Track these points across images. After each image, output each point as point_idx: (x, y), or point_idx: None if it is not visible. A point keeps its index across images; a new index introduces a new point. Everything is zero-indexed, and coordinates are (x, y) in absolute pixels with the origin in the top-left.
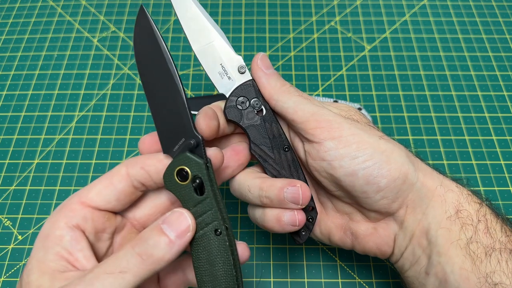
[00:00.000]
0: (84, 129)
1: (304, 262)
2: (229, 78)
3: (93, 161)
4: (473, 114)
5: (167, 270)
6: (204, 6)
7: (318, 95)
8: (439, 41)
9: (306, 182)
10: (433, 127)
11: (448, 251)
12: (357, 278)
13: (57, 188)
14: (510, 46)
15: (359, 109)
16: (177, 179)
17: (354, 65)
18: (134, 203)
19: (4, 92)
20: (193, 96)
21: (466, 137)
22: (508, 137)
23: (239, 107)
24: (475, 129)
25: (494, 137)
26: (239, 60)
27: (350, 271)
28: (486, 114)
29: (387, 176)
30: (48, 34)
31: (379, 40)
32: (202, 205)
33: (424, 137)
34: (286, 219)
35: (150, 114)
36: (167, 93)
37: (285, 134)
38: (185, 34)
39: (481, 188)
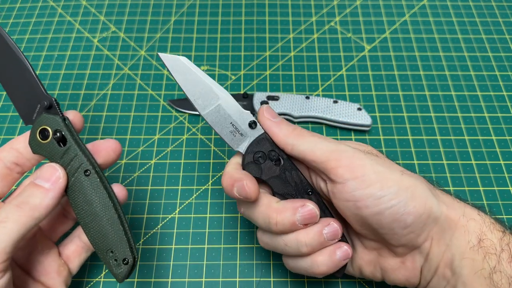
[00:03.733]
0: (85, 129)
1: None
2: (241, 134)
3: None
4: (472, 114)
5: (65, 242)
6: (204, 6)
7: (318, 95)
8: (439, 41)
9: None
10: (432, 127)
11: (472, 282)
12: (357, 278)
13: None
14: (509, 46)
15: (359, 109)
16: (40, 140)
17: (354, 65)
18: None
19: (5, 92)
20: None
21: (466, 137)
22: (507, 137)
23: (257, 162)
24: (475, 129)
25: (493, 137)
26: (248, 115)
27: None
28: (486, 114)
29: (413, 213)
30: (49, 34)
31: (379, 40)
32: (67, 154)
33: (424, 137)
34: (340, 256)
35: (148, 114)
36: (16, 72)
37: (306, 179)
38: (190, 101)
39: (481, 188)
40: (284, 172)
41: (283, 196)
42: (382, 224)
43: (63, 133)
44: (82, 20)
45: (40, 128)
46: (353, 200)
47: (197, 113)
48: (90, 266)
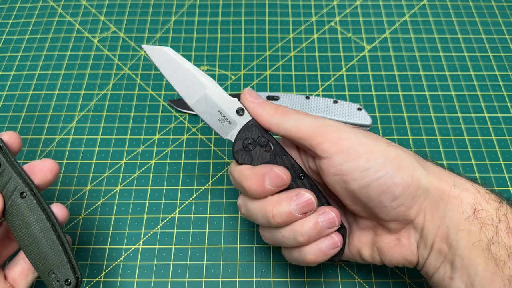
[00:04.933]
0: (84, 129)
1: None
2: (229, 122)
3: (93, 161)
4: (472, 114)
5: (10, 265)
6: (204, 6)
7: (318, 95)
8: (439, 41)
9: (329, 203)
10: (432, 127)
11: (470, 254)
12: (357, 278)
13: (58, 188)
14: (509, 46)
15: (359, 109)
16: None
17: (354, 65)
18: None
19: (5, 92)
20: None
21: (466, 137)
22: (507, 137)
23: (247, 148)
24: (475, 129)
25: (493, 137)
26: (235, 102)
27: (350, 271)
28: (486, 114)
29: (400, 184)
30: (49, 34)
31: (379, 40)
32: (2, 177)
33: (424, 137)
34: (326, 245)
35: (148, 114)
36: None
37: (297, 163)
38: (177, 91)
39: None
40: (274, 157)
41: None
42: (370, 197)
43: None
44: (82, 20)
45: None
46: (340, 174)
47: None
48: (90, 266)
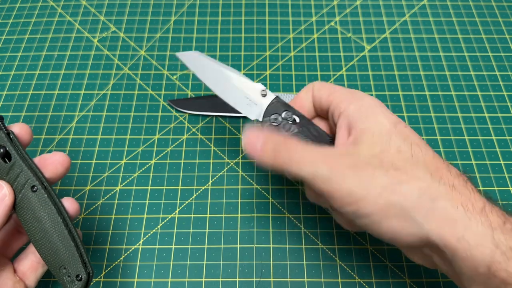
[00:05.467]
0: (84, 129)
1: (304, 262)
2: (255, 104)
3: (93, 161)
4: (472, 114)
5: (20, 258)
6: (204, 6)
7: None
8: (439, 41)
9: None
10: (432, 127)
11: None
12: (357, 278)
13: (58, 188)
14: (510, 46)
15: None
16: None
17: (354, 65)
18: None
19: (5, 92)
20: (193, 96)
21: (466, 137)
22: (507, 137)
23: (274, 124)
24: (475, 129)
25: (493, 137)
26: (259, 85)
27: (350, 271)
28: (486, 114)
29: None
30: (48, 34)
31: (379, 40)
32: (13, 170)
33: (424, 137)
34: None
35: (148, 114)
36: None
37: (323, 131)
38: (207, 85)
39: (481, 188)
40: (302, 128)
41: None
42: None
43: (7, 148)
44: (82, 20)
45: None
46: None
47: (197, 113)
48: None
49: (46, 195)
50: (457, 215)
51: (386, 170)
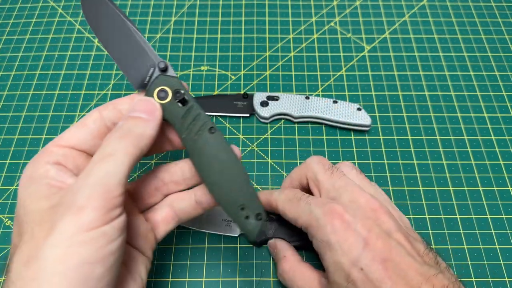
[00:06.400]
0: None
1: None
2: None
3: None
4: (472, 114)
5: (154, 208)
6: (204, 6)
7: (318, 95)
8: (439, 42)
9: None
10: (432, 127)
11: None
12: None
13: None
14: (509, 47)
15: (359, 109)
16: (158, 101)
17: (354, 66)
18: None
19: (5, 92)
20: (193, 96)
21: (465, 137)
22: (507, 137)
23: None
24: (474, 129)
25: (493, 137)
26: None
27: None
28: (485, 114)
29: None
30: (49, 34)
31: (378, 40)
32: (189, 113)
33: (424, 137)
34: None
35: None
36: (124, 38)
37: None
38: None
39: (481, 188)
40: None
41: None
42: None
43: (183, 92)
44: (82, 20)
45: (158, 89)
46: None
47: None
48: None
49: (223, 137)
50: None
51: None
